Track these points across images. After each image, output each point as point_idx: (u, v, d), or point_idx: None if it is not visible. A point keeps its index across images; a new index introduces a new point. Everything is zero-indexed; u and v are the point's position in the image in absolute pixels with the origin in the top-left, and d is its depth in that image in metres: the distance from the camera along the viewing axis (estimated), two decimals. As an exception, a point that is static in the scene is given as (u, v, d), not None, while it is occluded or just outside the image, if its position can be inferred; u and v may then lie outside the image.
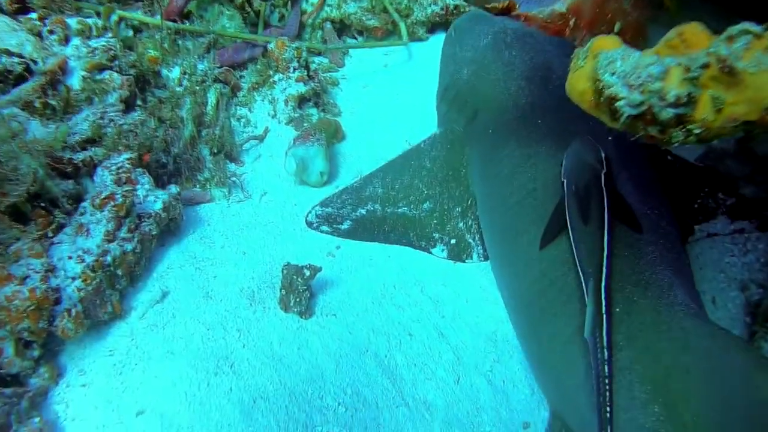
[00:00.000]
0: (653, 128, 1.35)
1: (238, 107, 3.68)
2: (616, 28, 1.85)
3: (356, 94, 4.17)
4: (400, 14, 4.31)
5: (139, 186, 2.48)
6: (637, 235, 2.23)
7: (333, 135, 3.56)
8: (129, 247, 2.31)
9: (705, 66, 1.28)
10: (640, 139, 1.41)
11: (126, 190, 2.32)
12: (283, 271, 2.46)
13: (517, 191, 2.56)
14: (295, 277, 2.41)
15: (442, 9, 4.29)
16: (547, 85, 2.79)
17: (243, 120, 3.60)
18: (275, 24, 4.42)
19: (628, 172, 2.53)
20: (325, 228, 2.99)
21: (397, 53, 4.50)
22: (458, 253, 3.01)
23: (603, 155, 2.37)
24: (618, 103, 1.37)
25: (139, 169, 2.56)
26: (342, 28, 4.60)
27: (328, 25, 4.52)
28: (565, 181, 2.30)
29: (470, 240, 3.04)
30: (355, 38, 4.64)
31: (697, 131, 1.31)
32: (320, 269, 2.49)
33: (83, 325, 2.10)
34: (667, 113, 1.30)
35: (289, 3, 4.50)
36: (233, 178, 3.02)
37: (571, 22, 1.90)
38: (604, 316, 1.94)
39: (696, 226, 3.17)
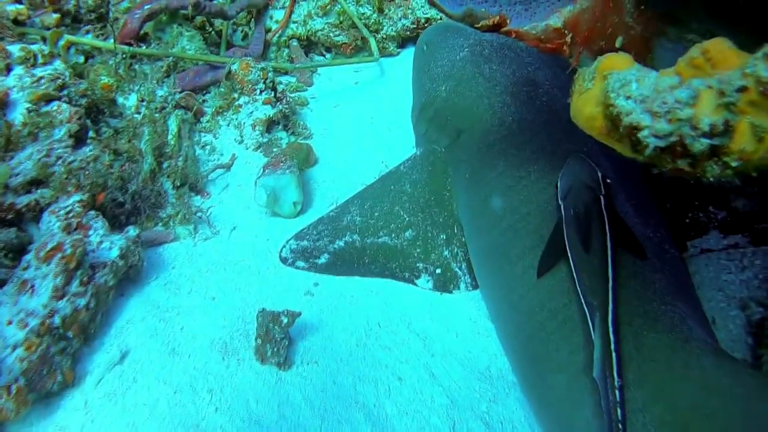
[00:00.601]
0: (683, 161, 1.16)
1: (201, 134, 3.44)
2: (618, 43, 1.67)
3: (327, 114, 3.96)
4: (370, 29, 4.12)
5: (91, 232, 2.22)
6: (641, 262, 2.10)
7: (305, 160, 3.34)
8: (81, 303, 2.04)
9: (742, 89, 1.09)
10: (665, 173, 1.24)
11: (76, 239, 2.06)
12: (258, 319, 2.22)
13: (509, 215, 2.40)
14: (271, 324, 2.18)
15: (413, 23, 4.11)
16: (534, 100, 2.64)
17: (208, 147, 3.36)
18: (239, 43, 4.20)
19: (624, 191, 2.40)
20: (301, 263, 2.76)
21: (368, 70, 4.31)
22: (444, 284, 2.82)
23: (600, 175, 2.23)
24: (641, 134, 1.18)
25: (92, 212, 2.31)
26: (309, 45, 4.40)
27: (295, 42, 4.31)
28: (562, 203, 2.14)
29: (456, 269, 2.85)
30: (323, 55, 4.44)
31: (734, 164, 1.13)
32: (299, 314, 2.26)
33: (27, 403, 1.82)
34: (701, 144, 1.12)
35: (253, 21, 4.29)
36: (199, 214, 2.78)
37: (568, 38, 1.72)
38: (614, 354, 1.79)
39: (688, 242, 3.03)
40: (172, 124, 3.16)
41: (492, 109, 2.68)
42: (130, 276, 2.39)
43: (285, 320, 2.18)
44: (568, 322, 2.00)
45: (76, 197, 2.27)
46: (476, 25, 1.74)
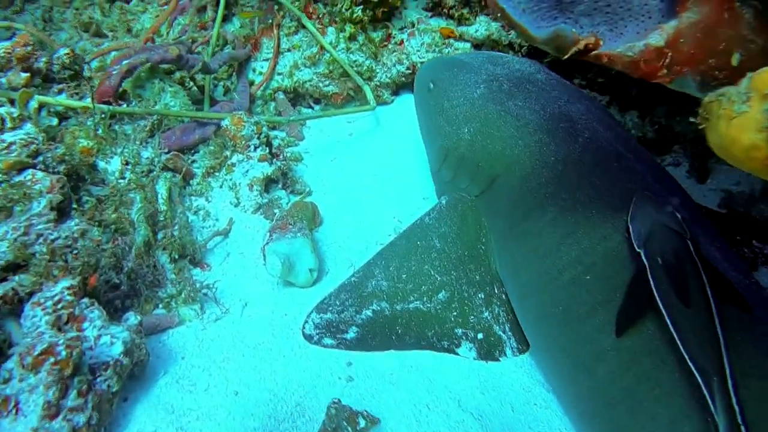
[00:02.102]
0: None
1: (192, 198, 3.06)
2: (735, 61, 1.42)
3: (325, 169, 3.64)
4: (363, 77, 3.85)
5: (87, 324, 1.81)
6: (746, 316, 1.82)
7: (311, 220, 2.99)
8: (81, 420, 1.60)
9: None
10: None
11: (71, 338, 1.65)
12: (330, 411, 1.82)
13: (569, 267, 2.13)
14: (345, 423, 1.78)
15: (408, 68, 3.87)
16: (575, 137, 2.39)
17: (201, 213, 2.98)
18: (221, 99, 3.88)
19: (701, 231, 2.14)
20: (328, 341, 2.38)
21: (362, 120, 4.02)
22: (489, 350, 2.49)
23: (679, 216, 1.97)
24: None
25: (85, 300, 1.89)
26: (296, 97, 4.11)
27: (281, 95, 4.01)
28: (642, 251, 1.86)
29: (500, 332, 2.53)
30: (311, 107, 4.15)
31: None
32: (378, 421, 1.87)
33: None
34: None
35: (234, 75, 3.99)
36: (205, 291, 2.38)
37: (668, 59, 1.46)
38: (742, 427, 1.51)
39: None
40: (162, 189, 2.78)
41: (529, 150, 2.42)
42: (134, 374, 1.96)
43: (362, 423, 1.78)
44: (661, 387, 1.76)
45: (65, 282, 1.86)
46: (563, 51, 1.46)
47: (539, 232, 2.30)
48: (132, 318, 1.99)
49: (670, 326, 1.71)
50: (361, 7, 3.70)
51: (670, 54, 1.45)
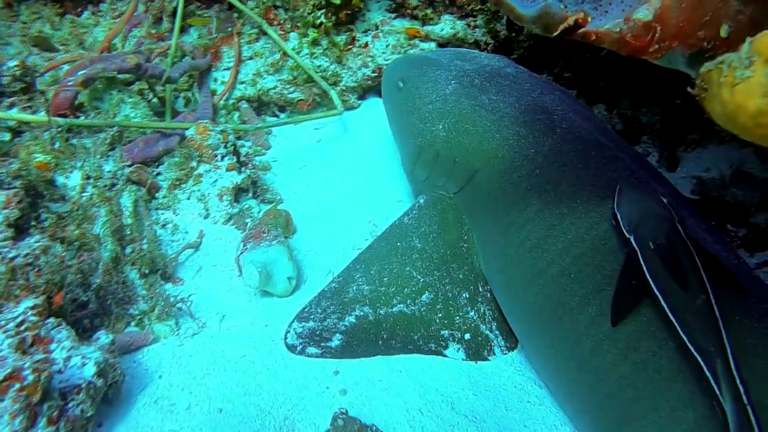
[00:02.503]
0: None
1: (159, 211, 2.92)
2: (723, 32, 1.39)
3: (294, 176, 3.54)
4: (328, 82, 3.78)
5: (54, 346, 1.67)
6: (740, 295, 1.80)
7: (285, 228, 2.88)
8: (54, 448, 1.48)
9: None
10: None
11: (38, 361, 1.51)
12: (336, 422, 1.71)
13: (557, 259, 2.07)
14: None
15: (374, 71, 3.80)
16: (553, 128, 2.36)
17: (169, 226, 2.85)
18: (181, 110, 3.75)
19: (687, 214, 2.12)
20: (312, 350, 2.28)
21: (329, 125, 3.94)
22: (477, 350, 2.43)
23: (665, 200, 1.95)
24: None
25: (51, 320, 1.75)
26: (260, 105, 4.00)
27: (244, 104, 3.90)
28: (632, 237, 1.82)
29: (487, 332, 2.48)
30: (276, 115, 4.05)
31: None
32: None
33: None
34: None
35: (195, 85, 3.87)
36: (179, 305, 2.25)
37: (657, 34, 1.42)
38: (749, 409, 1.46)
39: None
40: (127, 203, 2.65)
41: (507, 143, 2.38)
42: (109, 397, 1.82)
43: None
44: (661, 374, 1.71)
45: (28, 302, 1.72)
46: (551, 29, 1.41)
47: (523, 225, 2.25)
48: (103, 337, 1.86)
49: (668, 311, 1.67)
50: (324, 11, 3.62)
51: (659, 28, 1.41)
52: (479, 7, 3.56)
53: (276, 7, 3.84)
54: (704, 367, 1.56)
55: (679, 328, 1.63)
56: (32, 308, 1.72)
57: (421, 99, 2.72)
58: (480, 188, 2.47)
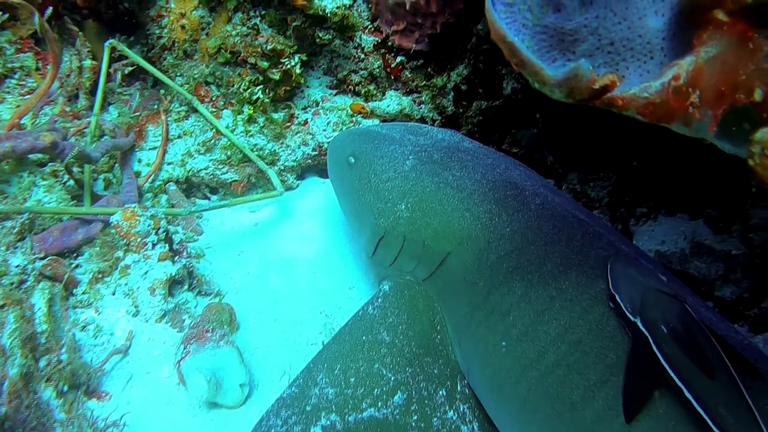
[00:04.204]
0: None
1: (79, 310, 2.50)
2: (757, 96, 1.27)
3: (231, 264, 3.21)
4: (266, 161, 3.52)
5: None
6: (761, 382, 1.66)
7: (229, 325, 2.54)
8: None
9: None
10: None
11: None
12: None
13: (550, 348, 1.89)
14: None
15: (314, 150, 3.59)
16: (527, 204, 2.22)
17: (91, 328, 2.43)
18: (102, 193, 3.36)
19: (686, 292, 2.01)
20: (277, 473, 1.92)
21: (266, 207, 3.66)
22: (460, 456, 2.15)
23: (664, 278, 1.81)
24: None
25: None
26: (189, 187, 3.68)
27: (172, 186, 3.56)
28: (639, 320, 1.66)
29: (467, 432, 2.21)
30: (207, 197, 3.73)
31: None
32: None
33: None
34: None
35: (117, 166, 3.50)
36: (109, 430, 1.83)
37: (695, 98, 1.28)
38: None
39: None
40: (40, 302, 2.23)
41: (480, 222, 2.21)
42: None
43: None
44: None
45: None
46: (575, 93, 1.24)
47: (507, 311, 2.05)
48: (14, 484, 1.44)
49: (695, 403, 1.49)
50: (261, 86, 3.41)
51: (696, 91, 1.27)
52: (424, 83, 3.47)
53: (207, 83, 3.59)
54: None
55: (710, 422, 1.45)
56: None
57: (377, 176, 2.53)
58: (453, 272, 2.26)
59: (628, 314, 1.72)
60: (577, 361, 1.84)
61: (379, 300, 2.38)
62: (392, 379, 2.19)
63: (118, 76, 3.69)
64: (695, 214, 3.38)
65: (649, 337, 1.61)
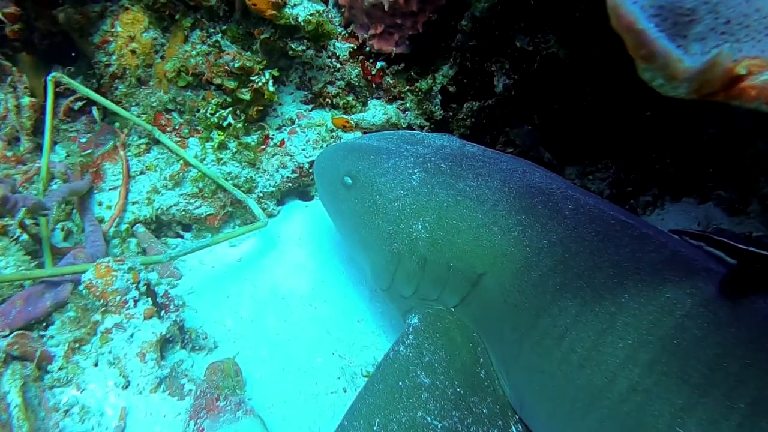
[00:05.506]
0: None
1: (57, 390, 2.12)
2: None
3: (222, 310, 2.88)
4: (242, 190, 3.20)
5: None
6: None
7: (237, 384, 2.21)
8: None
9: None
10: None
11: None
12: None
13: (621, 372, 1.68)
14: None
15: (293, 172, 3.28)
16: (560, 210, 1.99)
17: (75, 410, 2.06)
18: (62, 245, 2.96)
19: None
20: None
21: (247, 240, 3.32)
22: (526, 502, 1.90)
23: None
24: None
25: None
26: (159, 227, 3.31)
27: (140, 228, 3.19)
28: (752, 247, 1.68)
29: (528, 476, 1.96)
30: (180, 236, 3.37)
31: None
32: None
33: None
34: None
35: (76, 213, 3.11)
36: None
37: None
38: None
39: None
40: (12, 392, 1.86)
41: (512, 236, 1.97)
42: None
43: None
44: None
45: None
46: (708, 85, 1.00)
47: (562, 335, 1.82)
48: None
49: None
50: (231, 109, 3.09)
51: None
52: (407, 88, 3.20)
53: (168, 111, 3.24)
54: None
55: None
56: None
57: (382, 196, 2.25)
58: (489, 296, 2.01)
59: (739, 246, 1.70)
60: (656, 385, 1.62)
61: (410, 337, 2.10)
62: (439, 427, 1.92)
63: (60, 111, 3.29)
64: (703, 198, 3.24)
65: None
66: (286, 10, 2.76)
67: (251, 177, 3.25)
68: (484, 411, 1.99)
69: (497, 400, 2.02)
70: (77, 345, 2.26)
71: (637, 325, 1.70)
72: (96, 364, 2.23)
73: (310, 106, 3.31)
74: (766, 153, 2.96)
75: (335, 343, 2.61)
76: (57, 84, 3.12)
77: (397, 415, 1.93)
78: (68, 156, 3.38)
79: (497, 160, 2.27)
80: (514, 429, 2.00)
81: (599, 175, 3.42)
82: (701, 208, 3.19)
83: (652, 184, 3.33)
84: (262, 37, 2.90)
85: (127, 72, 3.18)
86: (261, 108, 3.15)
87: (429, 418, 1.93)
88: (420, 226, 2.13)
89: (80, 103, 3.27)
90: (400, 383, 2.00)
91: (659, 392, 1.61)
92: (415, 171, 2.23)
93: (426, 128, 3.26)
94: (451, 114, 3.18)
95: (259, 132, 3.24)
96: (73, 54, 3.43)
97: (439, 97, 3.17)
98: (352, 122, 3.13)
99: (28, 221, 2.76)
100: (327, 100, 3.27)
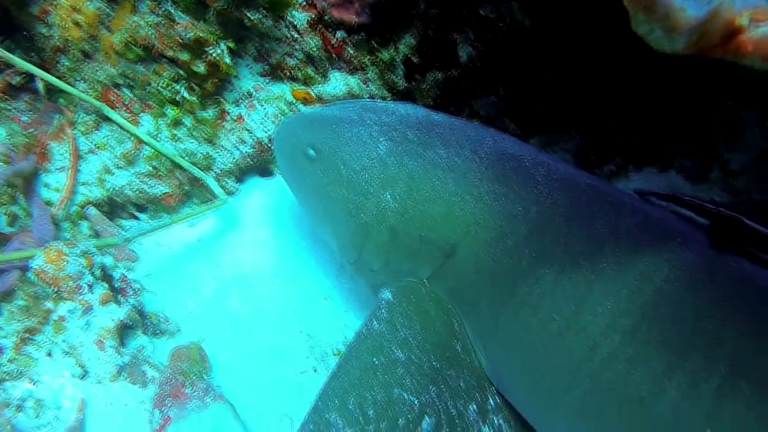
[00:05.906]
0: None
1: (8, 384, 1.99)
2: None
3: (182, 291, 2.76)
4: (200, 167, 3.06)
5: None
6: None
7: (204, 369, 2.11)
8: None
9: None
10: None
11: None
12: None
13: (602, 340, 1.65)
14: None
15: (253, 147, 3.16)
16: (533, 177, 1.95)
17: (29, 404, 1.94)
18: (7, 231, 2.79)
19: None
20: None
21: (206, 219, 3.19)
22: (505, 479, 1.88)
23: None
24: None
25: None
26: (113, 209, 3.15)
27: (92, 210, 3.03)
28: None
29: (508, 449, 1.95)
30: (135, 217, 3.21)
31: None
32: None
33: None
34: None
35: (21, 197, 2.92)
36: None
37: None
38: None
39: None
40: (-41, 389, 1.72)
41: (485, 204, 1.92)
42: None
43: None
44: None
45: None
46: (707, 39, 0.95)
47: (539, 303, 1.78)
48: None
49: None
50: (185, 83, 2.93)
51: None
52: (368, 58, 3.10)
53: (117, 86, 3.05)
54: None
55: None
56: None
57: (348, 167, 2.17)
58: (463, 266, 1.96)
59: (708, 206, 1.79)
60: (639, 352, 1.60)
61: (383, 312, 2.03)
62: (416, 403, 1.87)
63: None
64: (665, 166, 3.26)
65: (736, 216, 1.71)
66: (242, -23, 2.61)
67: (209, 154, 3.12)
68: (462, 385, 1.96)
69: (474, 372, 1.99)
70: (28, 335, 2.12)
71: (616, 293, 1.68)
72: (50, 355, 2.11)
73: (268, 79, 3.17)
74: (726, 121, 2.98)
75: (302, 322, 2.54)
76: (-6, 58, 2.90)
77: (372, 392, 1.87)
78: (9, 136, 3.16)
79: (464, 128, 2.21)
80: (491, 401, 1.96)
81: (563, 145, 3.40)
82: (664, 176, 3.21)
83: (616, 154, 3.33)
84: (217, 6, 2.75)
85: (71, 45, 2.97)
86: (217, 81, 3.00)
87: (406, 395, 1.88)
88: (389, 197, 2.06)
89: (19, 78, 3.05)
90: (375, 360, 1.93)
91: (640, 359, 1.59)
92: (381, 140, 2.15)
93: (388, 99, 3.17)
94: (414, 85, 3.09)
95: (215, 107, 3.09)
96: (8, 25, 3.20)
97: (402, 68, 3.07)
98: (313, 95, 3.02)
99: (-32, 206, 2.58)
100: (286, 72, 3.14)
